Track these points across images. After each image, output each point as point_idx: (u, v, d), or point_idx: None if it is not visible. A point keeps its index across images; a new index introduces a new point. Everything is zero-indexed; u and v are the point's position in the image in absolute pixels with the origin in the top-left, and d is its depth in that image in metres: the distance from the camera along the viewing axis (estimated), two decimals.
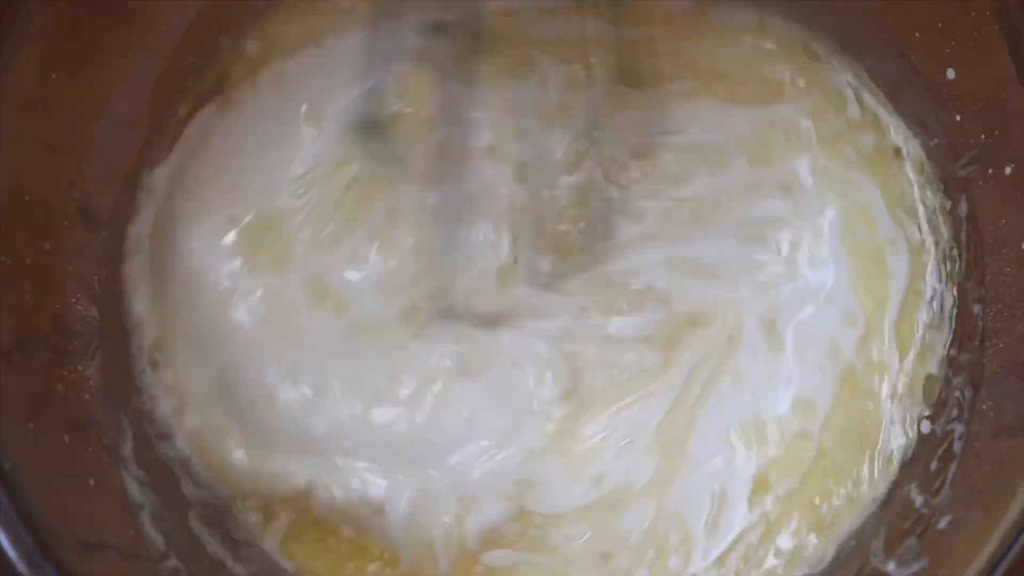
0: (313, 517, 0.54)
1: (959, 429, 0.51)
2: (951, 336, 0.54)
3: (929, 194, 0.56)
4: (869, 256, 0.56)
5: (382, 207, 0.56)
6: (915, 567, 0.48)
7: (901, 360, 0.55)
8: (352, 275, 0.55)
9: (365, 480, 0.54)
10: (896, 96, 0.56)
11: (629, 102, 0.58)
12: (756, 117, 0.57)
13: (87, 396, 0.51)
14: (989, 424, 0.49)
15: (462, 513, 0.54)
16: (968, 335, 0.52)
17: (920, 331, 0.55)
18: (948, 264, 0.55)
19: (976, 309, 0.52)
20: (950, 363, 0.53)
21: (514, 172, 0.57)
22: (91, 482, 0.49)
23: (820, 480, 0.54)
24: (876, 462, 0.54)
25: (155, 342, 0.55)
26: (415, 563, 0.54)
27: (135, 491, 0.50)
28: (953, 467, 0.50)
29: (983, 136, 0.51)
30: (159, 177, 0.56)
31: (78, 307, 0.51)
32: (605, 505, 0.54)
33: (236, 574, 0.53)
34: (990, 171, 0.51)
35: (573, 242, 0.57)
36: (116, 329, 0.54)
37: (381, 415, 0.54)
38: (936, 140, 0.54)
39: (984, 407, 0.50)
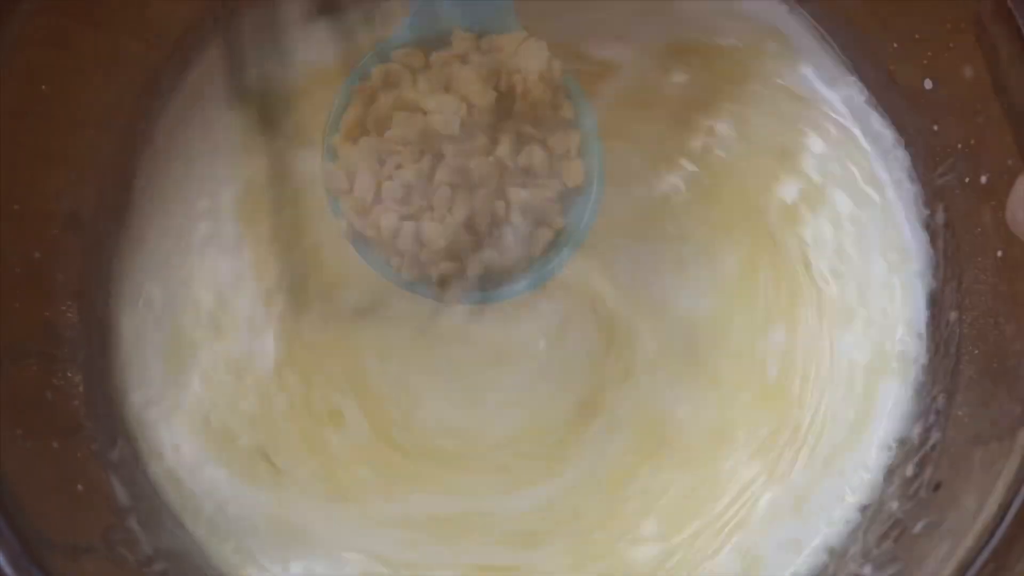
0: None
1: (935, 435, 0.51)
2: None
3: None
4: None
5: None
6: (891, 570, 0.48)
7: None
8: None
9: None
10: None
11: None
12: None
13: (76, 402, 0.51)
14: (964, 430, 0.50)
15: None
16: (944, 342, 0.53)
17: None
18: None
19: (952, 316, 0.52)
20: (927, 369, 0.54)
21: None
22: (79, 487, 0.49)
23: None
24: None
25: None
26: None
27: (123, 495, 0.51)
28: (929, 472, 0.50)
29: (959, 146, 0.51)
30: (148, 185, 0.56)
31: (68, 314, 0.52)
32: None
33: None
34: (967, 180, 0.51)
35: None
36: (105, 335, 0.54)
37: None
38: (914, 149, 0.55)
39: (960, 413, 0.50)
